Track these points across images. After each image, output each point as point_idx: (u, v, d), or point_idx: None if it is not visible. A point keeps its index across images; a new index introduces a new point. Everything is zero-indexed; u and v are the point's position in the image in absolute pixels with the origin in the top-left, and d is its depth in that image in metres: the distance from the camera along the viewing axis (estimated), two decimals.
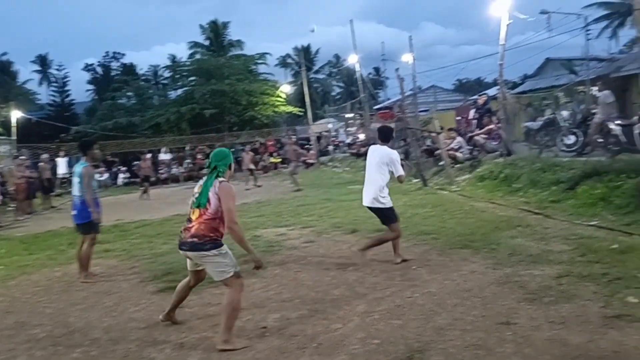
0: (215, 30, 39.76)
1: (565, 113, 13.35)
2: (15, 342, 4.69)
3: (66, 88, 52.42)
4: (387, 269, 5.98)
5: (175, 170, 26.45)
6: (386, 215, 6.28)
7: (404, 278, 5.58)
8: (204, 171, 4.34)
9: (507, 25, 12.27)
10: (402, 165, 6.27)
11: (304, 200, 12.98)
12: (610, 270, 5.08)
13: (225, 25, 40.26)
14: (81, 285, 6.51)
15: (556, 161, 10.63)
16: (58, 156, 23.30)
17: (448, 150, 13.91)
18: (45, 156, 19.41)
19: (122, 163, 28.63)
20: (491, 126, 13.66)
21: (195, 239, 4.19)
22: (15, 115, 23.08)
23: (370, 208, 6.33)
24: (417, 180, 14.02)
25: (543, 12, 15.83)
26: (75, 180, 6.76)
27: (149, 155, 21.88)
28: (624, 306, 4.23)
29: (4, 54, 49.96)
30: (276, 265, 6.62)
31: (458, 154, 14.09)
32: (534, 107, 16.23)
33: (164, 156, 26.76)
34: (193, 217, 4.27)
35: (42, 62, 56.80)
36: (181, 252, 4.37)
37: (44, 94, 52.58)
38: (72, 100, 51.85)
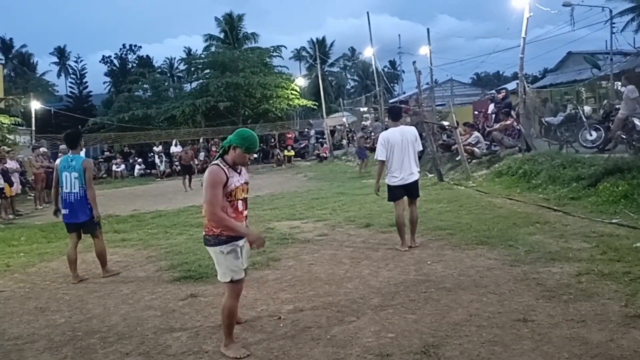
0: (230, 23, 39.86)
1: (587, 108, 13.15)
2: (35, 327, 4.77)
3: (84, 80, 53.02)
4: (401, 264, 5.95)
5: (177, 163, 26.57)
6: (418, 190, 6.81)
7: (419, 273, 5.54)
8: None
9: (528, 18, 12.09)
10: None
11: (318, 193, 12.98)
12: (632, 269, 4.98)
13: (240, 17, 40.36)
14: (99, 272, 6.57)
15: (577, 157, 10.49)
16: None
17: (465, 145, 13.79)
18: (63, 147, 19.60)
19: (138, 154, 28.88)
20: (509, 121, 13.50)
21: (204, 232, 3.90)
22: (35, 106, 23.32)
23: (411, 184, 6.61)
24: (432, 175, 13.94)
25: (566, 5, 15.58)
26: (72, 175, 6.17)
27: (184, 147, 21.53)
28: None
29: (24, 46, 50.76)
30: (290, 258, 6.62)
31: (475, 149, 13.95)
32: (555, 101, 16.01)
33: (175, 149, 26.92)
34: None
35: (61, 54, 57.49)
36: None
37: (62, 86, 53.23)
38: (90, 92, 52.48)
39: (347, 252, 6.70)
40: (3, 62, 33.69)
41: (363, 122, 29.83)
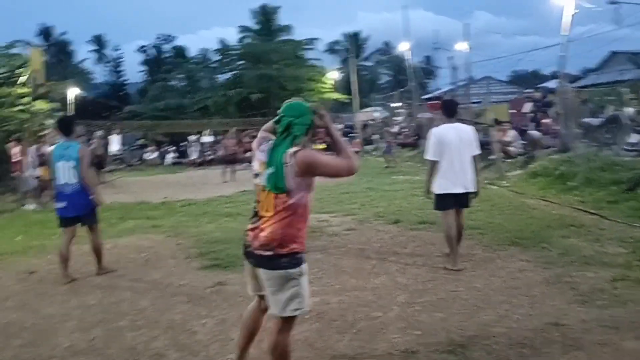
0: (265, 15, 39.90)
1: (629, 110, 12.74)
2: (67, 307, 4.89)
3: (120, 68, 53.97)
4: (429, 262, 5.88)
5: (220, 152, 26.80)
6: (470, 200, 5.82)
7: (448, 271, 5.46)
8: (266, 144, 3.02)
9: (572, 15, 11.77)
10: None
11: (347, 188, 12.91)
12: None
13: (275, 10, 40.36)
14: (131, 257, 6.69)
15: (616, 160, 10.20)
16: (111, 134, 24.10)
17: (501, 143, 13.54)
18: (99, 133, 20.09)
19: (171, 143, 29.29)
20: (547, 121, 13.19)
21: (268, 250, 2.87)
22: (72, 92, 23.84)
23: (462, 195, 5.62)
24: None
25: (612, 2, 15.06)
26: (68, 165, 5.68)
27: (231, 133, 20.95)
28: None
29: (63, 33, 51.88)
30: (317, 251, 6.59)
31: (510, 148, 13.69)
32: (595, 102, 15.55)
33: (206, 139, 27.17)
34: (263, 211, 2.92)
35: (98, 42, 58.56)
36: (249, 263, 3.07)
37: (99, 73, 54.32)
38: (126, 80, 53.35)
39: (375, 248, 6.66)
40: (43, 49, 34.53)
41: (394, 118, 29.60)
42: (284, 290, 2.87)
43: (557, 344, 3.64)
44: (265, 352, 3.12)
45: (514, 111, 17.52)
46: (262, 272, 2.90)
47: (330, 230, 7.83)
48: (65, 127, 5.99)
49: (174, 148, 28.50)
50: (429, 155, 5.72)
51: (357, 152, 25.88)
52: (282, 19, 40.54)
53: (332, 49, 56.70)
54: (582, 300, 4.40)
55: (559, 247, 6.08)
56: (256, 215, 2.94)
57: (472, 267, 5.57)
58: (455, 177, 5.55)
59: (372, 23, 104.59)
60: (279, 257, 2.84)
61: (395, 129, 28.27)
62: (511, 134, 14.15)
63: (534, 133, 13.42)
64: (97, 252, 5.95)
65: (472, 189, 5.65)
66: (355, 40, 48.46)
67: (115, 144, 24.12)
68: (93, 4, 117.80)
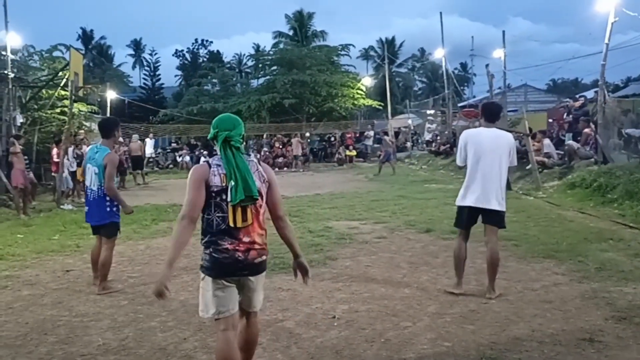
0: (300, 20, 40.25)
1: None
2: (100, 306, 4.99)
3: (157, 72, 55.17)
4: None
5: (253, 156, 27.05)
6: (501, 219, 5.03)
7: (479, 283, 5.35)
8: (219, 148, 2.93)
9: (613, 23, 11.48)
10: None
11: (378, 195, 12.87)
12: None
13: (310, 15, 40.66)
14: (162, 259, 6.77)
15: None
16: (147, 137, 24.65)
17: (537, 152, 13.26)
18: (135, 136, 20.58)
19: (204, 147, 29.71)
20: (587, 130, 12.85)
21: (264, 256, 3.00)
22: (110, 95, 24.45)
23: (485, 210, 4.92)
24: None
25: None
26: (93, 170, 5.37)
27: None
28: None
29: (103, 37, 53.48)
30: (347, 258, 6.59)
31: (546, 159, 13.39)
32: (637, 112, 15.09)
33: None
34: (243, 223, 2.90)
35: (137, 46, 60.10)
36: (230, 279, 2.92)
37: (137, 77, 55.64)
38: (162, 84, 54.51)
39: (406, 257, 6.59)
40: (83, 52, 35.51)
41: (428, 125, 29.34)
42: (262, 287, 3.10)
43: None
44: (251, 343, 3.19)
45: (552, 120, 17.16)
46: (252, 279, 2.98)
47: (360, 238, 7.79)
48: (103, 127, 5.62)
49: (207, 152, 28.90)
50: (458, 160, 5.18)
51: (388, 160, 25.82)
52: (316, 25, 40.92)
53: (366, 54, 56.77)
54: (619, 317, 4.26)
55: (596, 261, 5.90)
56: (226, 231, 2.88)
57: (505, 279, 5.45)
58: (482, 189, 4.89)
59: (407, 29, 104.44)
60: (266, 257, 3.05)
61: (428, 136, 28.07)
62: (545, 143, 13.84)
63: (572, 143, 13.09)
64: (102, 267, 5.39)
65: (498, 207, 4.89)
66: (389, 46, 48.28)
67: (149, 146, 24.65)
68: (132, 9, 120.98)
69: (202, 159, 28.19)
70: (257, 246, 2.93)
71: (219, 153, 2.95)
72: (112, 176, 5.40)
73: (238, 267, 2.89)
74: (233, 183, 2.84)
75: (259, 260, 2.95)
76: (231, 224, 2.87)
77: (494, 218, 4.94)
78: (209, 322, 4.41)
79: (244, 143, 3.05)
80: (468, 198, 4.96)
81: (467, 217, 5.01)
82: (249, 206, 2.89)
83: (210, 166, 2.92)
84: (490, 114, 5.18)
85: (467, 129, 21.05)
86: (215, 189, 2.86)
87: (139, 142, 20.49)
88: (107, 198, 5.37)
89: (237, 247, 2.87)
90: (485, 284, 5.05)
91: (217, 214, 2.88)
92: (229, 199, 2.84)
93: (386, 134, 24.16)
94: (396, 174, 19.04)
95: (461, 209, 5.05)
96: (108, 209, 5.39)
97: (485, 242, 5.08)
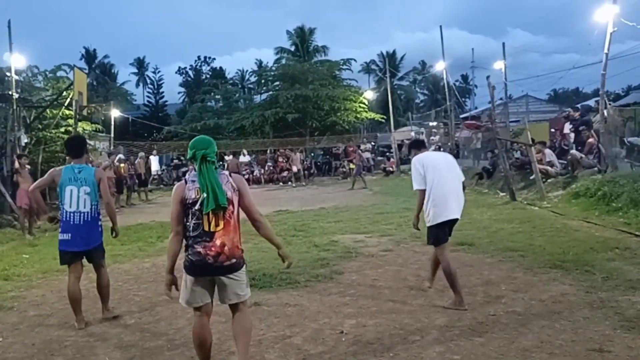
0: (302, 36, 40.58)
1: None
2: (107, 325, 4.99)
3: (160, 90, 55.52)
4: (468, 284, 5.75)
5: (256, 172, 27.10)
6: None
7: (487, 295, 5.34)
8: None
9: (612, 33, 11.54)
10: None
11: (383, 208, 12.84)
12: None
13: (311, 31, 40.99)
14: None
15: None
16: (151, 154, 24.78)
17: (541, 162, 13.25)
18: (141, 154, 20.72)
19: None
20: (590, 140, 12.85)
21: (234, 259, 3.46)
22: (114, 114, 24.59)
23: (454, 221, 5.28)
24: (504, 193, 13.50)
25: None
26: (82, 190, 4.95)
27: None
28: None
29: (106, 56, 53.96)
30: (353, 272, 6.57)
31: (549, 168, 13.38)
32: (639, 121, 15.09)
33: (243, 158, 27.55)
34: (216, 228, 3.39)
35: (140, 64, 60.61)
36: (202, 278, 3.48)
37: (140, 95, 56.00)
38: (165, 101, 54.81)
39: (412, 270, 6.56)
40: (87, 71, 35.82)
41: (432, 137, 29.37)
42: (241, 281, 3.54)
43: None
44: (233, 331, 3.64)
45: (554, 130, 17.17)
46: (222, 278, 3.47)
47: (366, 251, 7.78)
48: (74, 147, 5.26)
49: (184, 177, 28.96)
50: (418, 185, 5.22)
51: (392, 172, 25.81)
52: (317, 40, 41.24)
53: (367, 68, 57.06)
54: (628, 326, 4.23)
55: (603, 271, 5.87)
56: (201, 234, 3.38)
57: (512, 290, 5.43)
58: (451, 204, 5.15)
59: (408, 43, 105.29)
60: (239, 259, 3.50)
61: (432, 148, 28.06)
62: (547, 153, 13.85)
63: (575, 153, 13.08)
64: (106, 289, 5.21)
65: (459, 216, 5.26)
66: (390, 60, 48.51)
67: (154, 163, 24.78)
68: (134, 28, 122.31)
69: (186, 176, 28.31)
70: (226, 250, 3.40)
71: (195, 169, 3.45)
72: (108, 191, 5.21)
73: (209, 269, 3.41)
74: (205, 195, 3.33)
75: (228, 263, 3.43)
76: (205, 229, 3.38)
77: (451, 228, 5.32)
78: (215, 339, 4.43)
79: (219, 160, 3.59)
80: (450, 212, 5.13)
81: (447, 231, 5.24)
82: (220, 213, 3.38)
83: (186, 182, 3.48)
84: (419, 145, 5.61)
85: (469, 139, 21.10)
86: (190, 201, 3.40)
87: (145, 159, 20.59)
88: (99, 217, 5.08)
89: (208, 252, 3.37)
90: (490, 294, 5.20)
91: (193, 221, 3.40)
92: (202, 208, 3.34)
93: (388, 147, 24.24)
94: (399, 186, 19.01)
95: (441, 225, 5.16)
96: (100, 229, 5.11)
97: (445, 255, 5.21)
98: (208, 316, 3.61)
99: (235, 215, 3.48)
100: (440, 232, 5.19)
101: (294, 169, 24.65)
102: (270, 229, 3.67)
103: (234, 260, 3.44)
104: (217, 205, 3.32)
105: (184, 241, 3.46)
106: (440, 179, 5.15)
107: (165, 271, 3.55)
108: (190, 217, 3.40)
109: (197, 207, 3.36)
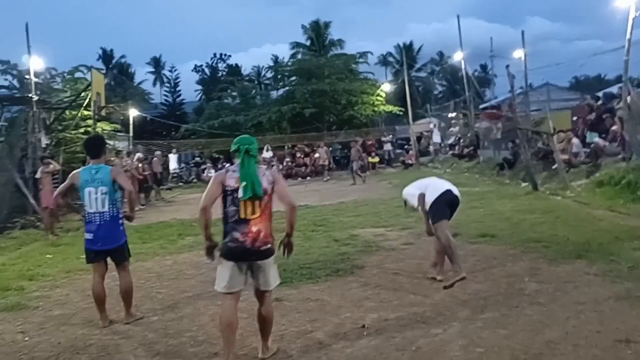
0: (317, 30, 40.38)
1: None
2: (131, 324, 5.03)
3: (177, 88, 55.80)
4: (490, 277, 5.69)
5: (275, 167, 27.15)
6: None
7: (511, 287, 5.27)
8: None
9: (634, 18, 11.28)
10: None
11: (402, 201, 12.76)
12: None
13: (327, 25, 40.78)
14: (190, 273, 6.84)
15: None
16: (170, 152, 24.98)
17: (563, 151, 13.04)
18: (158, 153, 20.88)
19: (226, 160, 29.95)
20: (614, 127, 12.59)
21: (269, 244, 3.78)
22: (132, 113, 24.81)
23: (454, 201, 5.57)
24: (526, 183, 13.31)
25: None
26: (99, 190, 4.95)
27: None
28: None
29: (123, 56, 54.39)
30: (374, 266, 6.54)
31: (573, 159, 13.15)
32: None
33: (266, 154, 27.59)
34: (252, 215, 3.70)
35: (156, 63, 60.97)
36: (239, 263, 3.75)
37: (157, 94, 56.38)
38: (183, 99, 55.08)
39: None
40: (104, 72, 36.21)
41: (451, 129, 29.09)
42: (272, 270, 3.85)
43: None
44: (259, 319, 3.94)
45: (576, 118, 16.85)
46: (259, 263, 3.76)
47: (387, 245, 7.75)
48: (92, 147, 5.26)
49: (229, 165, 29.15)
50: (416, 202, 5.72)
51: (411, 164, 25.63)
52: (333, 34, 41.02)
53: (384, 61, 56.67)
54: None
55: (629, 260, 5.75)
56: (239, 221, 3.70)
57: (536, 282, 5.35)
58: (448, 183, 5.72)
59: (423, 34, 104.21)
60: (271, 246, 3.80)
61: (451, 139, 27.82)
62: (575, 143, 13.61)
63: (599, 141, 12.84)
64: (127, 294, 5.16)
65: (459, 195, 5.61)
66: (407, 52, 48.11)
67: (173, 162, 24.96)
68: (150, 27, 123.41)
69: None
70: (262, 235, 3.71)
71: (238, 162, 3.78)
72: (128, 182, 5.22)
73: (247, 253, 3.71)
74: (244, 184, 3.67)
75: (264, 247, 3.73)
76: (242, 216, 3.69)
77: (454, 211, 5.58)
78: (238, 335, 4.44)
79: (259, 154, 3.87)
80: (444, 188, 5.54)
81: (446, 204, 5.47)
82: (256, 202, 3.70)
83: (227, 171, 3.84)
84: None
85: (489, 130, 20.82)
86: (229, 189, 3.73)
87: (161, 158, 20.74)
88: (120, 216, 5.11)
89: (245, 238, 3.68)
90: (514, 286, 5.21)
91: (231, 208, 3.73)
92: (240, 196, 3.66)
93: (407, 140, 24.12)
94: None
95: (439, 201, 5.45)
96: (121, 227, 5.12)
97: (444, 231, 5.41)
98: (237, 302, 3.85)
99: (269, 206, 3.80)
100: (439, 208, 5.45)
101: (323, 162, 24.67)
102: (295, 218, 3.88)
103: (269, 246, 3.76)
104: (254, 194, 3.65)
105: (223, 227, 3.78)
106: (435, 181, 5.83)
107: (205, 239, 3.81)
108: (228, 204, 3.72)
109: (235, 195, 3.69)
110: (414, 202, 5.72)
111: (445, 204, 5.48)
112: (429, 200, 5.52)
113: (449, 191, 5.54)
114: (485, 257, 6.54)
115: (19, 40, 14.42)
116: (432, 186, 5.67)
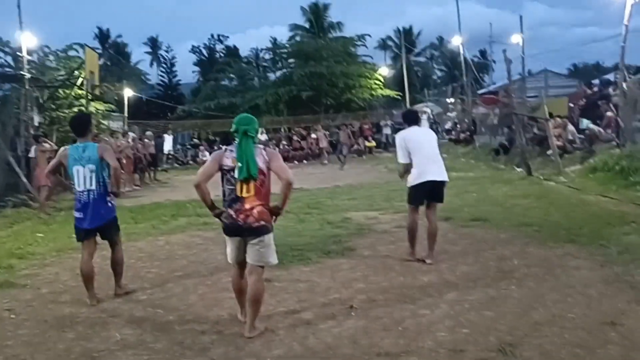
0: (316, 12, 39.97)
1: None
2: (119, 302, 5.03)
3: (174, 69, 55.39)
4: (480, 259, 5.71)
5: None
6: (443, 194, 5.98)
7: (500, 269, 5.29)
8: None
9: (632, 4, 11.20)
10: None
11: (397, 185, 12.70)
12: None
13: (326, 7, 40.38)
14: (181, 254, 6.83)
15: None
16: (165, 133, 24.81)
17: (558, 137, 13.02)
18: (149, 133, 20.63)
19: (223, 142, 29.84)
20: (609, 114, 12.56)
21: (262, 222, 3.89)
22: (127, 93, 24.59)
23: (441, 183, 5.82)
24: (520, 169, 13.31)
25: None
26: (87, 168, 4.92)
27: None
28: None
29: (119, 36, 53.82)
30: (365, 248, 6.56)
31: (567, 145, 13.14)
32: None
33: (262, 137, 27.50)
34: (246, 194, 3.87)
35: (153, 43, 60.35)
36: (235, 239, 3.99)
37: (154, 74, 55.87)
38: (179, 80, 54.74)
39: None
40: (100, 51, 35.84)
41: (449, 113, 29.02)
42: (266, 248, 3.96)
43: (614, 344, 3.45)
44: (247, 295, 4.02)
45: (573, 105, 16.82)
46: (254, 240, 3.90)
47: (379, 228, 7.75)
48: (79, 126, 5.18)
49: (225, 146, 29.00)
50: (402, 159, 5.92)
51: None
52: (332, 16, 40.64)
53: (383, 44, 56.29)
54: None
55: (619, 245, 5.77)
56: (234, 199, 3.89)
57: (525, 265, 5.37)
58: (434, 168, 5.79)
59: (422, 18, 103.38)
60: (267, 224, 3.94)
61: (448, 124, 27.77)
62: (570, 130, 13.59)
63: (593, 127, 12.82)
64: (118, 265, 5.24)
65: (445, 179, 5.87)
66: (407, 36, 47.75)
67: (168, 143, 24.81)
68: (146, 7, 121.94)
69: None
70: (255, 212, 3.86)
71: (236, 142, 3.91)
72: (114, 159, 5.13)
73: (240, 230, 3.90)
74: (240, 164, 3.82)
75: (257, 224, 3.87)
76: (237, 194, 3.88)
77: (440, 194, 5.86)
78: (226, 314, 4.45)
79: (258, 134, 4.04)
80: (428, 175, 5.72)
81: (423, 193, 5.79)
82: (251, 182, 3.85)
83: (225, 150, 4.01)
84: (410, 119, 6.25)
85: (486, 115, 20.76)
86: (226, 168, 3.93)
87: (154, 139, 20.52)
88: (108, 192, 5.07)
89: (238, 215, 3.87)
90: (503, 269, 5.20)
91: (228, 187, 3.94)
92: (236, 175, 3.84)
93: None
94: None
95: (418, 187, 5.76)
96: (110, 204, 5.08)
97: (427, 217, 5.92)
98: (243, 271, 4.09)
99: (266, 184, 3.95)
100: (417, 193, 5.82)
101: (322, 145, 24.58)
102: (289, 192, 3.97)
103: (262, 223, 3.88)
104: (249, 174, 3.81)
105: (222, 205, 4.01)
106: (422, 149, 5.81)
107: (209, 209, 4.07)
108: (225, 182, 3.94)
109: (231, 174, 3.87)
110: (401, 159, 5.95)
111: (423, 193, 5.81)
112: (411, 180, 5.83)
113: (430, 182, 5.73)
114: (477, 240, 6.55)
115: (12, 17, 14.19)
116: (419, 164, 5.78)
